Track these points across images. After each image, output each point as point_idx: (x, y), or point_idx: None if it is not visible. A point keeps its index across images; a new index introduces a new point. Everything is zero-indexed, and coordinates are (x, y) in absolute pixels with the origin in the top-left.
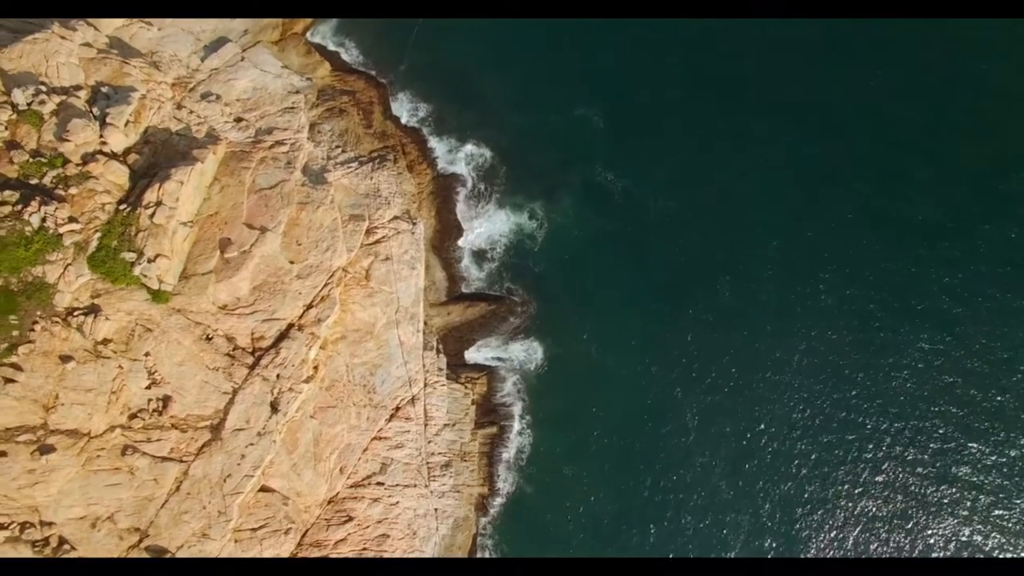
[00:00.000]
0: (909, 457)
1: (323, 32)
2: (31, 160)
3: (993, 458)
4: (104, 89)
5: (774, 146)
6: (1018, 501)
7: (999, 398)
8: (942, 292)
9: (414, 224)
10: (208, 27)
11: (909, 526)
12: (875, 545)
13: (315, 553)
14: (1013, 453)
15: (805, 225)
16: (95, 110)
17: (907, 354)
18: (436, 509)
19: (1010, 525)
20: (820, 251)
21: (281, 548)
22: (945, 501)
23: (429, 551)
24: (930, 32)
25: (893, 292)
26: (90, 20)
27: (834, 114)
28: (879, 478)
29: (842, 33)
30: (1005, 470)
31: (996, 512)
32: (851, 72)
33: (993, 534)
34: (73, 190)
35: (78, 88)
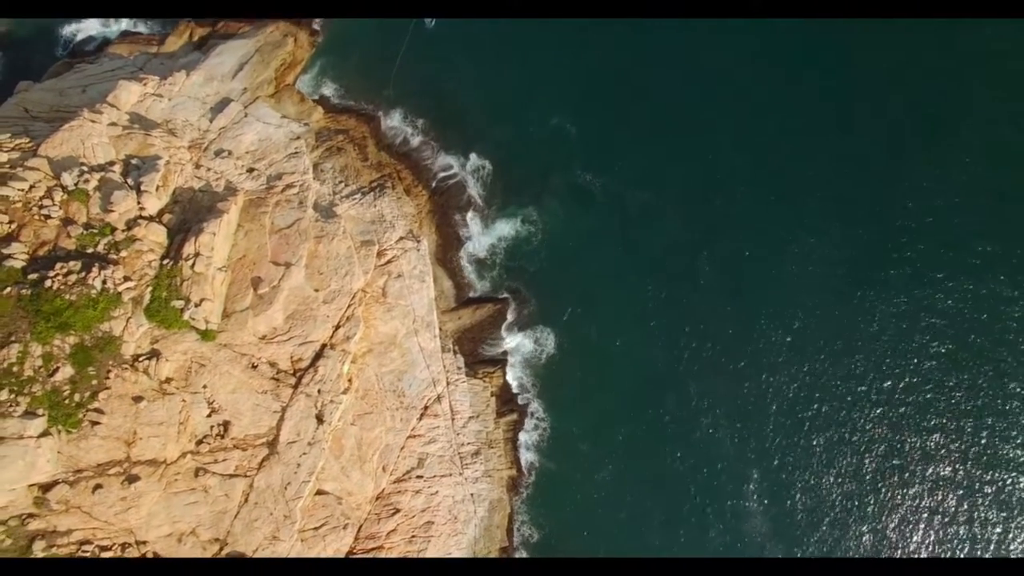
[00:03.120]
0: (905, 405)
1: (310, 78)
2: (85, 232)
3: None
4: (134, 161)
5: (734, 132)
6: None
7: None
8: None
9: (418, 242)
10: (211, 91)
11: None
12: (884, 505)
13: (370, 544)
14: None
15: (771, 197)
16: (130, 180)
17: (889, 315)
18: (472, 494)
19: None
20: (790, 218)
21: (342, 542)
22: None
23: (470, 533)
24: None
25: (866, 252)
26: (110, 100)
27: (790, 103)
28: (874, 431)
29: (795, 28)
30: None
31: None
32: (803, 61)
33: None
34: (123, 253)
35: (112, 164)
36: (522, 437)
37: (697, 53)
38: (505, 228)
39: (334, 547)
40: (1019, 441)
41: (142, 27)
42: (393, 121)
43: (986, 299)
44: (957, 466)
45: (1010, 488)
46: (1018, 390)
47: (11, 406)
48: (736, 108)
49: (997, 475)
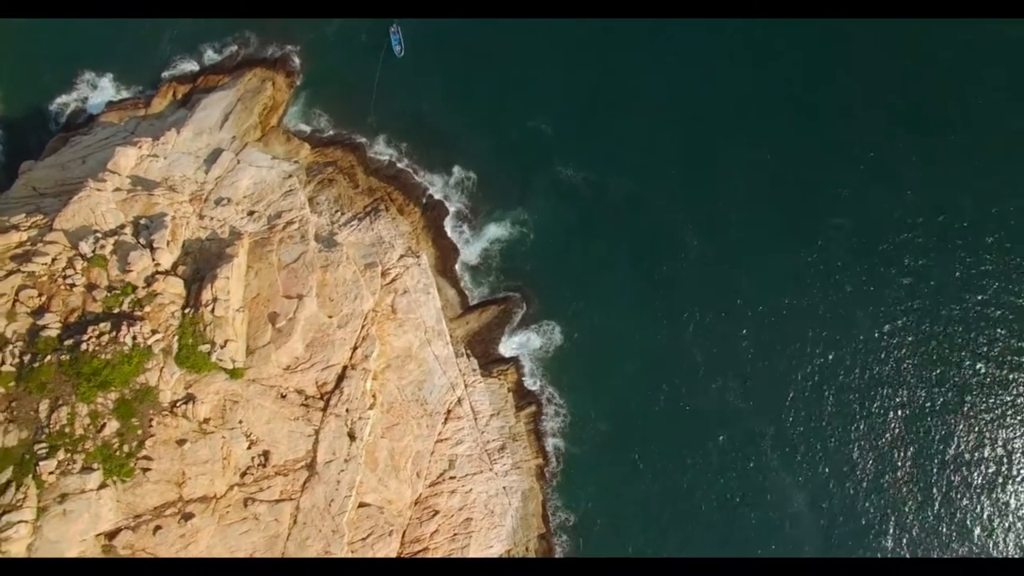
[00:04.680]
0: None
1: (294, 118)
2: (109, 294)
3: None
4: (142, 221)
5: (704, 112)
6: None
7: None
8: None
9: (418, 257)
10: (202, 144)
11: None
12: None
13: (416, 547)
14: None
15: (747, 165)
16: (142, 240)
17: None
18: (504, 487)
19: None
20: (763, 185)
21: (389, 548)
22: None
23: (508, 524)
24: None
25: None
26: (110, 168)
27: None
28: (872, 376)
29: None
30: None
31: None
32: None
33: None
34: (147, 308)
35: (123, 227)
36: (543, 426)
37: (659, 45)
38: (497, 231)
39: (383, 554)
40: None
41: (126, 92)
42: (378, 147)
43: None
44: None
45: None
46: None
47: (69, 464)
48: (702, 91)
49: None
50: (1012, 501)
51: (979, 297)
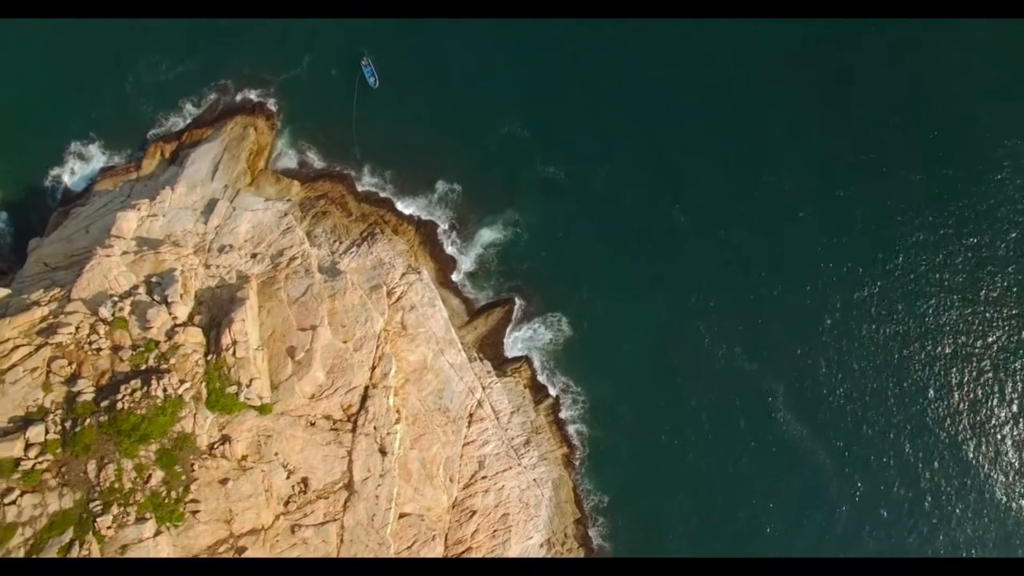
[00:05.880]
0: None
1: (280, 158)
2: (134, 353)
3: None
4: (154, 279)
5: (672, 104)
6: None
7: None
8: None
9: (419, 273)
10: (197, 197)
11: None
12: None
13: (460, 548)
14: None
15: (726, 138)
16: (156, 297)
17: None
18: (534, 479)
19: None
20: (750, 150)
21: (434, 553)
22: None
23: (544, 514)
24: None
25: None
26: (114, 233)
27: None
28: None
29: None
30: None
31: None
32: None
33: None
34: (172, 360)
35: (136, 287)
36: (563, 415)
37: (616, 40)
38: (490, 236)
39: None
40: None
41: (116, 158)
42: (364, 175)
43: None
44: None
45: None
46: None
47: (124, 517)
48: (666, 78)
49: None
50: None
51: (974, 240)
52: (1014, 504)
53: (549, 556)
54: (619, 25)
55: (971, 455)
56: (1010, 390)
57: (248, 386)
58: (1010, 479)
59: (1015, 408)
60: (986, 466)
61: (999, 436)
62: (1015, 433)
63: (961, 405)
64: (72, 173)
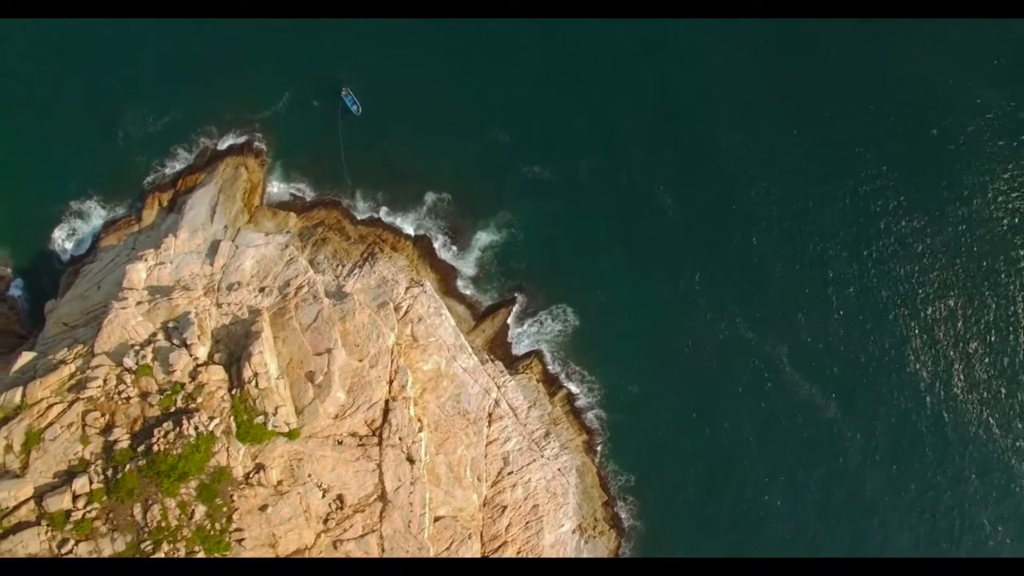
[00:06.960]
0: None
1: (273, 192)
2: (162, 397)
3: None
4: (171, 324)
5: (647, 86)
6: None
7: None
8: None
9: (422, 285)
10: (199, 240)
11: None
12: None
13: (496, 544)
14: None
15: (705, 120)
16: (175, 341)
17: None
18: (559, 469)
19: None
20: (731, 130)
21: (472, 551)
22: None
23: (572, 501)
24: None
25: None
26: (126, 286)
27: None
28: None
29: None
30: None
31: None
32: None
33: None
34: (199, 399)
35: (155, 334)
36: (579, 403)
37: (584, 37)
38: (486, 239)
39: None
40: None
41: (117, 210)
42: (357, 198)
43: None
44: None
45: None
46: None
47: (174, 553)
48: (636, 70)
49: None
50: None
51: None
52: None
53: (582, 541)
54: (576, 24)
55: None
56: None
57: (274, 414)
58: None
59: None
60: None
61: None
62: None
63: None
64: (74, 232)
